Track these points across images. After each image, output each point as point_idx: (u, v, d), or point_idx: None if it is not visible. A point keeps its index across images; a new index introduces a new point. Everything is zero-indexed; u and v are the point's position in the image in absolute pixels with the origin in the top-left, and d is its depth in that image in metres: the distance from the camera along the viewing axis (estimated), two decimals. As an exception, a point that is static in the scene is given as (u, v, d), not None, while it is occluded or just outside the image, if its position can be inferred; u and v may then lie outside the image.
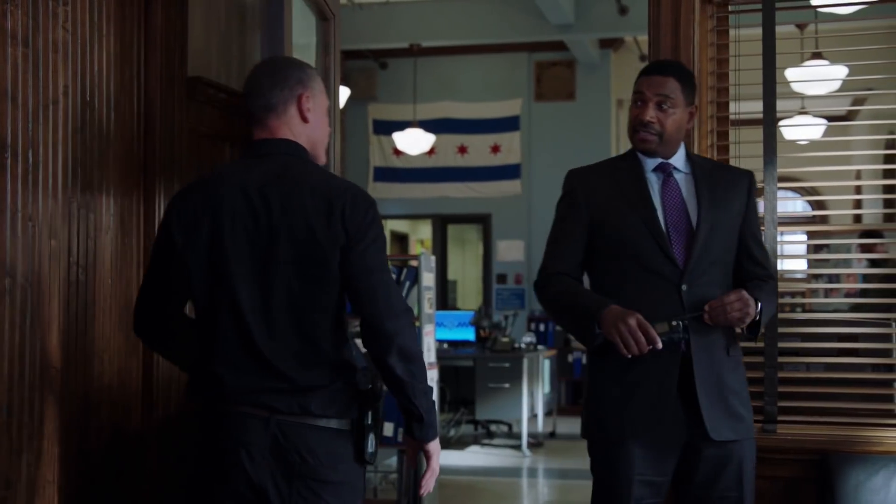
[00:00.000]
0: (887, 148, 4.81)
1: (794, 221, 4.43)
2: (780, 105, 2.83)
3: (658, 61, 2.86)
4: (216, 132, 3.30)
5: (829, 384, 3.24)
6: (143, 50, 2.89)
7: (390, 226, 13.10)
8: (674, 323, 2.55)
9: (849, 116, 5.94)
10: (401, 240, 14.39)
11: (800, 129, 5.19)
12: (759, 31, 3.23)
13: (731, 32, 3.34)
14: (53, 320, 2.51)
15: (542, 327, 10.31)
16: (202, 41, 3.27)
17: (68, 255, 2.58)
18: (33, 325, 2.42)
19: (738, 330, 2.75)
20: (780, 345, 3.19)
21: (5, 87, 2.31)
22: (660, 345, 2.53)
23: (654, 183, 2.75)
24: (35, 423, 2.42)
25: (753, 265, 2.79)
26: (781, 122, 4.73)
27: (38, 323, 2.44)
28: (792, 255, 3.97)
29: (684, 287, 2.64)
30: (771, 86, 3.23)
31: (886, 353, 3.41)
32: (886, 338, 3.46)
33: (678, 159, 2.77)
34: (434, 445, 2.37)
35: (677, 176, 2.76)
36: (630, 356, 2.53)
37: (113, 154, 2.77)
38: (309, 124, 2.38)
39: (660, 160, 2.75)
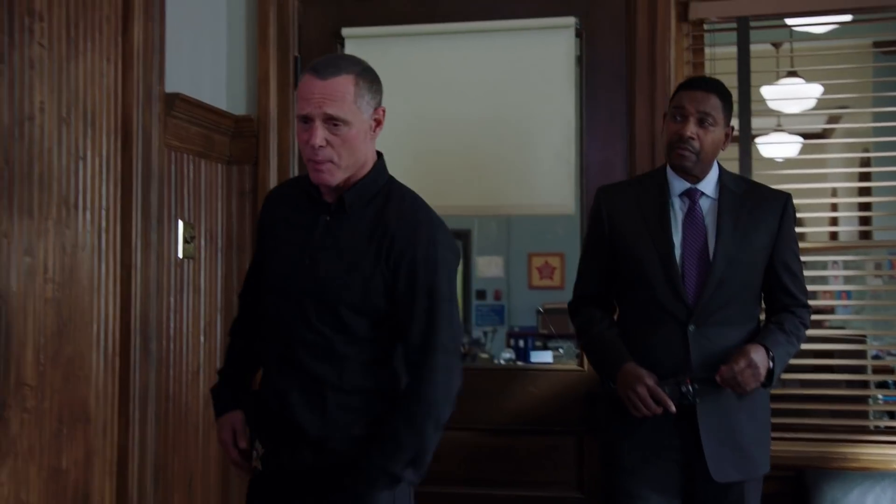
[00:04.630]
0: (861, 165, 4.84)
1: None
2: (756, 122, 2.85)
3: (700, 77, 2.74)
4: (195, 149, 3.29)
5: (805, 400, 3.26)
6: (121, 65, 2.89)
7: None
8: (683, 389, 2.52)
9: (824, 134, 5.98)
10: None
11: (776, 147, 5.22)
12: (734, 49, 3.27)
13: (707, 50, 3.37)
14: (27, 337, 2.49)
15: (521, 343, 10.28)
16: (185, 57, 3.26)
17: (43, 272, 2.56)
18: (9, 341, 2.40)
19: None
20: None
21: (-20, 103, 2.30)
22: (672, 408, 2.52)
23: (678, 210, 2.66)
24: (8, 441, 2.40)
25: (783, 295, 2.68)
26: (757, 139, 4.77)
27: (11, 340, 2.42)
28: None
29: (691, 328, 2.57)
30: (746, 103, 3.26)
31: (861, 369, 3.44)
32: (861, 354, 3.49)
33: (708, 183, 2.66)
34: None
35: (703, 203, 2.65)
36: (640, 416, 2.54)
37: (90, 170, 2.76)
38: None
39: (688, 186, 2.65)
